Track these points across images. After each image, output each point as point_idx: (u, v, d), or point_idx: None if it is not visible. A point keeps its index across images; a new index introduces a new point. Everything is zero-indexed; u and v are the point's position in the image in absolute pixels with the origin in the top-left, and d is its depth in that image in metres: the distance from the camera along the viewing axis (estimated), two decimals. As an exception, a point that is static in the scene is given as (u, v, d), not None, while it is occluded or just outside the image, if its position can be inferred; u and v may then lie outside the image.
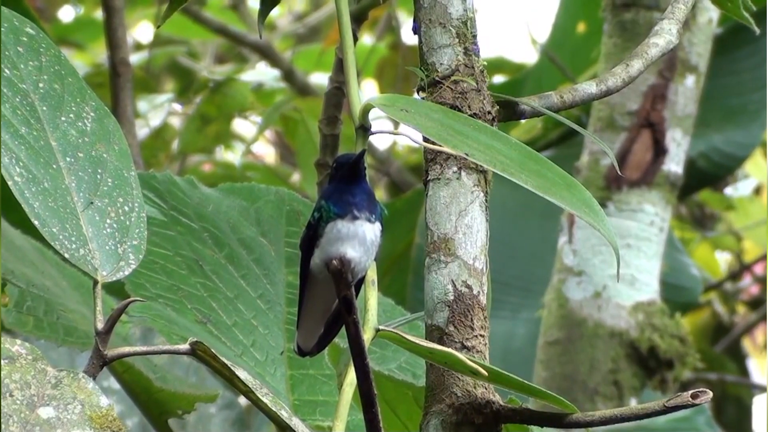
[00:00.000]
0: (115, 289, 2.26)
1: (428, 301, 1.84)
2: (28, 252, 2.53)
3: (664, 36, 1.96)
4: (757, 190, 5.81)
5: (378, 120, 2.77)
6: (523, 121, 2.20)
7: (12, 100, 1.77)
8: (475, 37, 1.90)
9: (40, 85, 1.80)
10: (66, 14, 6.10)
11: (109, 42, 3.71)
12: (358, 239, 1.79)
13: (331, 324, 1.90)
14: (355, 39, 2.10)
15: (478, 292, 1.83)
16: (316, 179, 2.80)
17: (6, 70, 1.78)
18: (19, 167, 1.73)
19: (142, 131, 4.66)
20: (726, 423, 5.21)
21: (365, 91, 5.43)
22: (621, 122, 3.54)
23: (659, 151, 3.52)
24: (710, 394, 1.70)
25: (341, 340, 1.94)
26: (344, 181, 1.81)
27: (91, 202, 1.76)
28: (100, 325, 1.69)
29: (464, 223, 1.84)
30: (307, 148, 4.69)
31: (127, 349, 1.73)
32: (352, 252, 1.79)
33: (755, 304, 5.67)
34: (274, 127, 5.40)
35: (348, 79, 1.90)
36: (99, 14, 5.16)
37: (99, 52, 5.55)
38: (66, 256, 1.72)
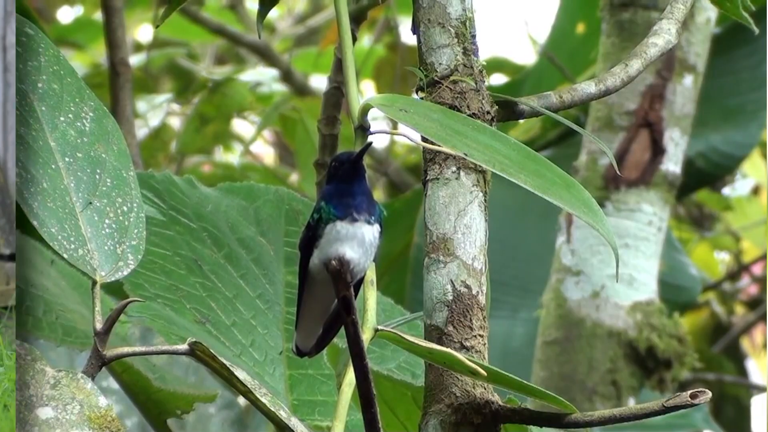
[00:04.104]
0: (114, 289, 2.25)
1: (427, 301, 1.84)
2: (27, 252, 2.52)
3: (663, 36, 1.96)
4: (755, 190, 5.81)
5: (377, 120, 2.77)
6: (521, 121, 2.20)
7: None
8: (474, 37, 1.90)
9: (39, 85, 1.80)
10: (65, 14, 6.09)
11: (109, 42, 3.70)
12: (357, 240, 1.79)
13: (329, 324, 1.90)
14: (354, 39, 2.10)
15: (477, 292, 1.83)
16: (315, 179, 2.79)
17: (5, 70, 1.78)
18: (18, 167, 1.73)
19: (141, 131, 4.66)
20: (724, 423, 5.20)
21: (364, 91, 5.43)
22: (619, 122, 3.54)
23: (657, 150, 3.52)
24: (709, 394, 1.70)
25: (340, 340, 1.94)
26: (344, 181, 1.81)
27: (90, 203, 1.76)
28: (98, 326, 1.69)
29: (463, 223, 1.84)
30: (306, 148, 4.69)
31: (126, 350, 1.73)
32: (351, 253, 1.79)
33: (753, 304, 5.67)
34: (272, 127, 5.40)
35: (347, 79, 1.90)
36: (98, 15, 5.15)
37: (98, 53, 5.55)
38: (65, 256, 1.72)
